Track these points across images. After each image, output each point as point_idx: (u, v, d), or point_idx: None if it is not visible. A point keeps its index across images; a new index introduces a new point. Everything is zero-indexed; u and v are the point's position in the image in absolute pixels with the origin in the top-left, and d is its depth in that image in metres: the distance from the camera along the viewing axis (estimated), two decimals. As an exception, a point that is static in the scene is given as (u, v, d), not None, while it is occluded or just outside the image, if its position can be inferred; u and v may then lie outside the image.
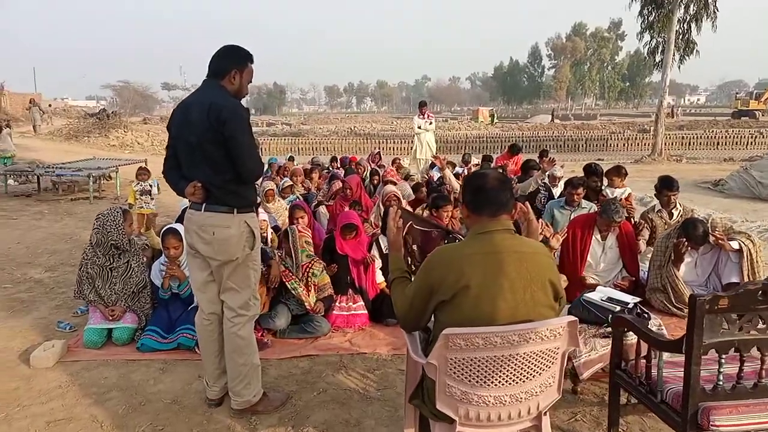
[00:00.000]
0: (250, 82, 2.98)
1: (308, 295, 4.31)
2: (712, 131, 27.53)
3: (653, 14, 18.17)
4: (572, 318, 2.05)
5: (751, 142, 24.73)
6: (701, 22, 17.71)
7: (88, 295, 4.20)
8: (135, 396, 3.37)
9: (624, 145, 25.54)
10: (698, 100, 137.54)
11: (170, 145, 3.02)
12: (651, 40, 18.87)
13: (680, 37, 18.01)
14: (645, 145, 23.28)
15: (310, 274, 4.37)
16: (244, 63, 2.91)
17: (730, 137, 25.58)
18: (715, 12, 17.50)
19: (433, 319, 2.25)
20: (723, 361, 2.17)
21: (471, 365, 2.02)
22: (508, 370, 2.03)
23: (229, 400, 3.18)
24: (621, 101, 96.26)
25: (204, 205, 2.87)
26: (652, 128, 22.00)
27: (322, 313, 4.33)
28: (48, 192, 11.28)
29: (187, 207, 3.07)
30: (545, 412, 2.21)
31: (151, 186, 7.48)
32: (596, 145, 25.94)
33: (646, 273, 4.97)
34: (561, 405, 3.27)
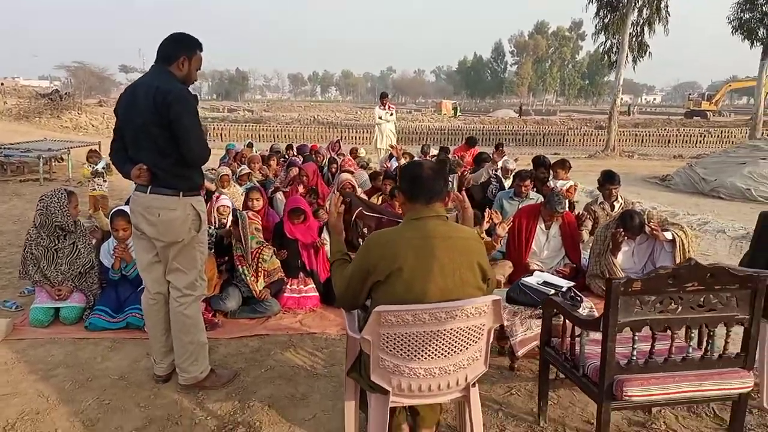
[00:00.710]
0: (199, 69, 3.03)
1: (257, 282, 4.39)
2: (665, 129, 28.56)
3: (608, 16, 18.78)
4: (496, 297, 2.20)
5: (700, 141, 25.80)
6: (654, 25, 18.38)
7: (33, 275, 4.17)
8: (82, 372, 3.40)
9: (580, 140, 26.26)
10: (654, 99, 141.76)
11: (117, 128, 3.05)
12: (606, 41, 19.51)
13: (634, 39, 18.65)
14: (600, 141, 23.98)
15: (260, 260, 4.44)
16: (194, 50, 2.96)
17: (680, 135, 26.61)
18: (666, 17, 18.18)
19: (370, 298, 2.38)
20: (636, 338, 2.36)
21: (402, 340, 2.15)
22: (436, 345, 2.17)
23: (176, 376, 3.25)
24: (581, 98, 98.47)
25: (149, 187, 2.92)
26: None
27: (268, 301, 4.40)
28: (-5, 172, 10.94)
29: None
30: (473, 384, 2.36)
31: (103, 169, 7.37)
32: (554, 140, 26.61)
33: (588, 260, 5.22)
34: (498, 380, 3.47)
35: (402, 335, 2.15)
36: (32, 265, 4.20)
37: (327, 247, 4.89)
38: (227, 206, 5.32)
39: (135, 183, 3.00)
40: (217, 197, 5.57)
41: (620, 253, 4.87)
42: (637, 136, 26.43)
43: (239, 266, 4.40)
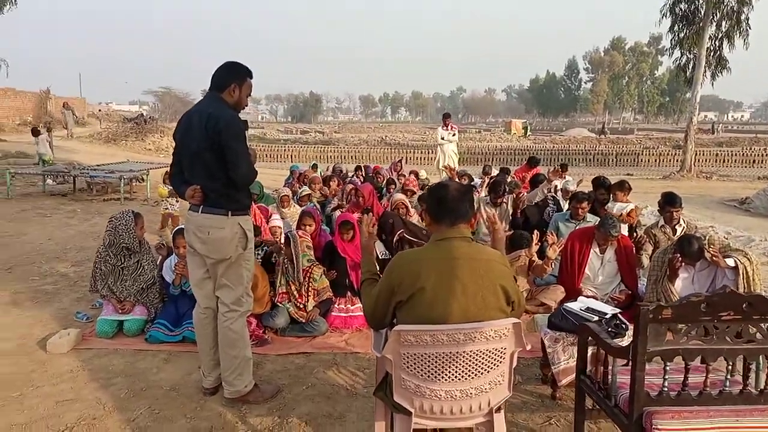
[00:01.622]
0: (249, 95, 3.23)
1: (307, 301, 4.53)
2: (751, 149, 26.86)
3: (684, 31, 18.01)
4: (515, 320, 2.20)
5: (790, 161, 24.09)
6: (734, 39, 17.46)
7: (101, 290, 4.51)
8: (138, 382, 3.63)
9: (656, 160, 25.17)
10: (742, 116, 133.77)
11: (175, 152, 3.30)
12: (682, 56, 18.69)
13: (711, 53, 17.78)
14: (676, 161, 22.90)
15: (311, 279, 4.58)
16: (243, 78, 3.17)
17: (766, 155, 24.93)
18: (747, 29, 17.23)
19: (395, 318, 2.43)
20: (668, 368, 2.28)
21: (422, 360, 2.19)
22: (456, 367, 2.19)
23: (223, 390, 3.40)
24: (661, 116, 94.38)
25: (201, 207, 3.13)
26: (685, 144, 21.69)
27: (317, 320, 4.52)
28: (83, 192, 11.83)
29: None
30: (498, 409, 2.35)
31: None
32: (627, 160, 25.64)
33: (645, 287, 5.02)
34: (538, 409, 3.41)
35: (422, 355, 2.19)
36: (101, 280, 4.54)
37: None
38: (279, 226, 5.54)
39: (189, 203, 3.22)
40: (270, 216, 5.82)
41: (679, 279, 4.65)
42: (718, 156, 25.01)
43: (279, 302, 4.55)
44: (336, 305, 4.74)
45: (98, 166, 12.80)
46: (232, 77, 3.14)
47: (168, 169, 6.35)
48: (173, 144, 3.38)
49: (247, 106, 3.29)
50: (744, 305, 2.19)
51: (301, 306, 4.53)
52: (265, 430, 3.12)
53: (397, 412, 2.35)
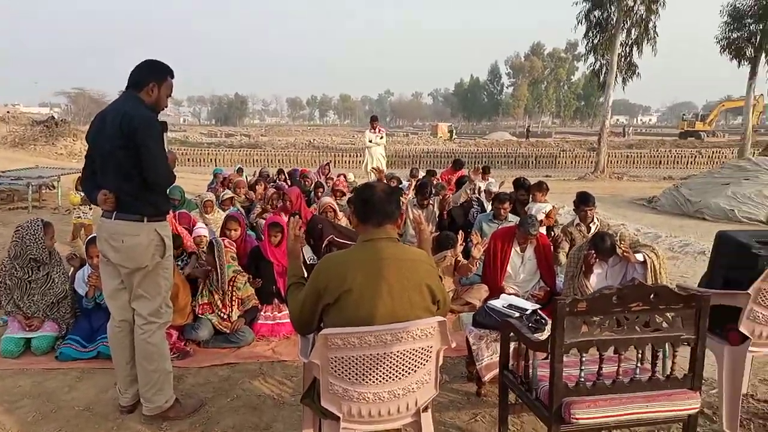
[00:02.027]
0: (170, 95, 3.10)
1: (231, 310, 4.40)
2: (657, 151, 28.76)
3: (597, 37, 19.07)
4: (441, 319, 2.23)
5: (691, 162, 25.97)
6: (642, 45, 18.67)
7: (6, 306, 4.20)
8: (47, 403, 3.39)
9: (572, 162, 26.47)
10: (650, 120, 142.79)
11: (87, 155, 3.11)
12: (595, 61, 19.77)
13: (623, 59, 18.91)
14: (591, 162, 24.14)
15: (234, 288, 4.46)
16: (163, 76, 3.03)
17: (671, 157, 26.79)
18: (654, 37, 18.49)
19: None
20: (584, 359, 2.38)
21: (349, 363, 2.17)
22: (383, 368, 2.19)
23: (141, 407, 3.24)
24: (576, 120, 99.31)
25: (115, 213, 2.96)
26: (599, 147, 22.91)
27: (242, 330, 4.40)
28: (-15, 200, 10.99)
29: None
30: (424, 409, 2.37)
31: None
32: (546, 162, 26.80)
33: (562, 283, 5.24)
34: (464, 406, 3.47)
35: (349, 358, 2.17)
36: (5, 296, 4.22)
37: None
38: (204, 236, 5.36)
39: (102, 209, 3.04)
40: (194, 224, 5.61)
41: (593, 275, 4.88)
42: (628, 158, 26.63)
43: (200, 314, 4.40)
44: (262, 312, 4.63)
45: (3, 172, 11.92)
46: (151, 76, 3.00)
47: (80, 175, 6.02)
48: (87, 147, 3.18)
49: (166, 107, 3.15)
50: (651, 295, 2.32)
51: (225, 316, 4.39)
52: (188, 445, 3.00)
53: (325, 418, 2.32)
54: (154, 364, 3.15)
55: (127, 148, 2.85)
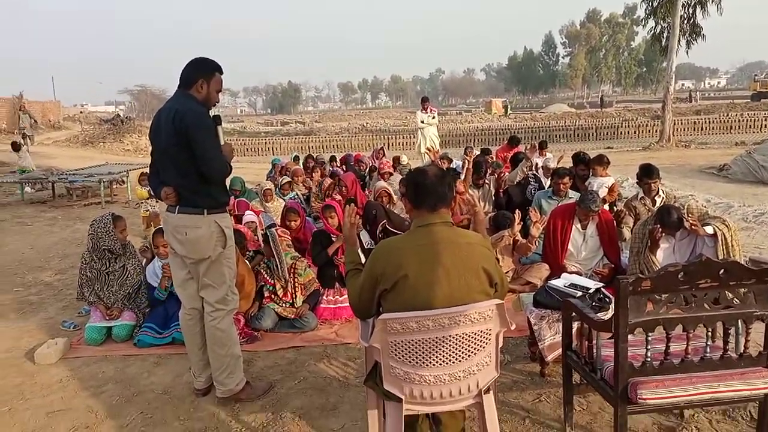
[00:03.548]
0: (219, 91, 3.18)
1: (295, 297, 4.52)
2: (728, 115, 27.17)
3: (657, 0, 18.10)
4: (499, 301, 2.22)
5: (765, 126, 24.40)
6: (706, 5, 17.58)
7: (89, 297, 4.47)
8: (129, 388, 3.62)
9: (635, 132, 25.42)
10: (718, 83, 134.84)
11: (151, 153, 3.26)
12: (656, 25, 18.78)
13: (685, 21, 17.89)
14: (656, 131, 23.12)
15: (295, 274, 4.57)
16: (211, 73, 3.12)
17: (744, 121, 25.26)
18: (720, -5, 17.38)
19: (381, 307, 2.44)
20: (650, 338, 2.32)
21: (409, 347, 2.21)
22: (443, 351, 2.21)
23: (215, 390, 3.40)
24: (639, 87, 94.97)
25: (177, 207, 3.10)
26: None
27: (306, 315, 4.51)
28: (63, 198, 11.67)
29: None
30: (486, 390, 2.38)
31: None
32: (607, 133, 25.85)
33: (627, 259, 5.09)
34: (528, 387, 3.45)
35: (409, 342, 2.20)
36: (87, 287, 4.50)
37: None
38: (253, 221, 5.61)
39: (165, 203, 3.19)
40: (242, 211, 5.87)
41: (660, 250, 4.72)
42: (696, 124, 25.32)
43: (266, 303, 4.54)
44: (325, 297, 4.75)
45: (77, 170, 12.63)
46: (199, 73, 3.10)
47: (143, 170, 6.28)
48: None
49: (218, 102, 3.25)
50: (720, 272, 2.23)
51: (288, 304, 4.52)
52: (259, 426, 3.13)
53: (389, 400, 2.37)
54: (225, 348, 3.30)
55: (180, 144, 2.97)
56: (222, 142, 3.13)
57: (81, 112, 47.16)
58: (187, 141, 2.94)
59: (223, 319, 3.28)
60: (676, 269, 2.24)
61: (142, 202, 7.82)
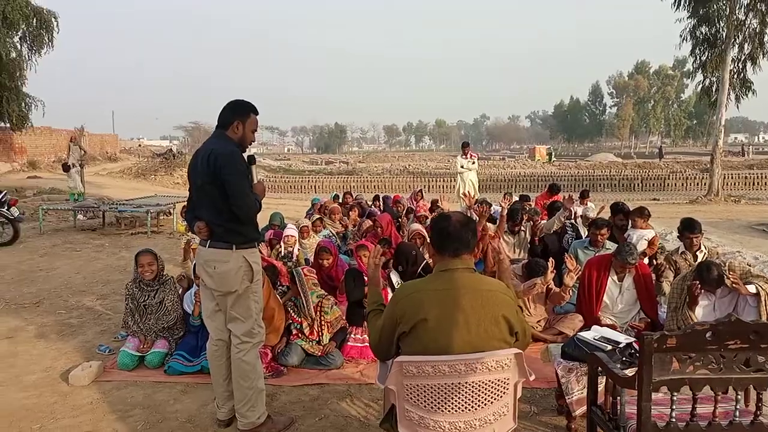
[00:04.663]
0: (255, 131, 3.33)
1: (322, 335, 4.56)
2: (782, 171, 26.29)
3: (706, 54, 17.89)
4: (517, 351, 2.20)
5: (822, 182, 23.47)
6: (758, 60, 17.26)
7: (132, 327, 4.68)
8: (155, 414, 3.69)
9: (683, 184, 24.83)
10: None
11: (189, 188, 3.41)
12: (704, 79, 18.53)
13: (735, 75, 17.59)
14: (704, 184, 22.52)
15: (322, 312, 4.62)
16: (246, 114, 3.26)
17: (799, 177, 24.36)
18: (772, 50, 17.06)
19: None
20: (675, 398, 2.25)
21: (424, 391, 2.20)
22: (458, 398, 2.19)
23: (236, 422, 3.43)
24: (689, 139, 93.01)
25: (209, 241, 3.21)
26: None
27: (332, 353, 4.53)
28: (112, 226, 12.13)
29: None
30: (503, 441, 2.33)
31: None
32: (654, 185, 25.33)
33: (665, 315, 4.93)
34: (554, 441, 3.35)
35: (424, 386, 2.20)
36: (130, 317, 4.71)
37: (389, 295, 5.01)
38: (293, 236, 6.00)
39: (198, 237, 3.32)
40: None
41: (700, 307, 4.56)
42: (747, 179, 24.54)
43: (293, 339, 4.58)
44: (352, 335, 4.76)
45: (127, 200, 13.15)
46: (234, 115, 3.25)
47: (184, 204, 6.59)
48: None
49: (254, 141, 3.38)
50: (750, 334, 2.16)
51: (314, 342, 4.56)
52: (278, 461, 3.13)
53: (403, 444, 2.36)
54: (249, 381, 3.34)
55: (214, 183, 3.10)
56: (255, 181, 3.26)
57: (140, 145, 49.46)
58: (220, 180, 3.08)
59: (249, 351, 3.34)
60: (703, 328, 2.18)
61: (181, 235, 8.06)
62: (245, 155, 3.26)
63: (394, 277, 5.01)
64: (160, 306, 4.69)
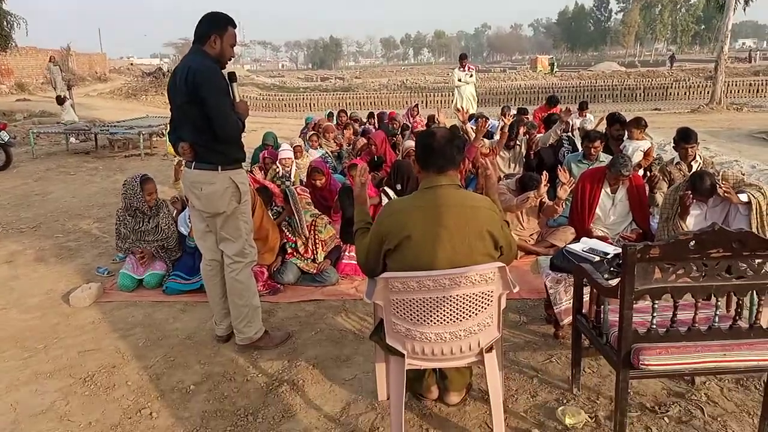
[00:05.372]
0: (234, 45, 3.17)
1: (316, 253, 4.61)
2: (788, 77, 25.65)
3: (716, -48, 16.97)
4: (500, 264, 2.22)
5: (828, 89, 22.96)
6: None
7: (124, 247, 4.71)
8: (155, 332, 3.80)
9: (686, 93, 24.24)
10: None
11: (171, 108, 3.32)
12: (713, -21, 17.67)
13: (745, -25, 16.77)
14: (707, 93, 22.04)
15: (316, 231, 4.65)
16: (224, 27, 3.10)
17: (806, 83, 23.80)
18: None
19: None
20: (656, 306, 2.29)
21: (410, 305, 2.25)
22: (443, 311, 2.24)
23: (235, 336, 3.54)
24: (696, 45, 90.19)
25: (194, 162, 3.16)
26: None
27: (327, 270, 4.59)
28: (105, 149, 12.04)
29: None
30: (489, 349, 2.41)
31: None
32: (656, 94, 24.76)
33: (657, 225, 4.97)
34: (541, 347, 3.47)
35: (410, 301, 2.24)
36: (120, 240, 4.73)
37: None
38: (289, 158, 6.07)
39: (184, 159, 3.27)
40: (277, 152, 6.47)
41: (691, 217, 4.59)
42: (751, 86, 23.95)
43: (288, 258, 4.62)
44: (347, 252, 4.81)
45: (118, 122, 12.96)
46: (211, 28, 3.08)
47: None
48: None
49: (233, 56, 3.24)
50: (733, 242, 2.17)
51: (309, 260, 4.61)
52: (275, 373, 3.26)
53: (392, 354, 2.43)
54: (243, 299, 3.41)
55: (194, 102, 2.99)
56: (237, 99, 3.15)
57: (132, 64, 48.11)
58: (199, 99, 2.97)
59: (242, 271, 3.38)
60: (687, 237, 2.18)
61: (174, 156, 7.98)
62: (225, 72, 3.14)
63: (392, 195, 5.01)
64: (157, 229, 4.71)
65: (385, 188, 5.27)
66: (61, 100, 14.84)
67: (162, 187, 5.13)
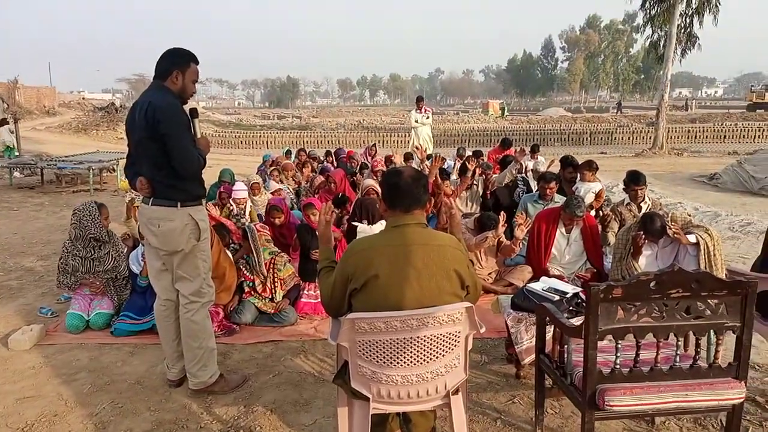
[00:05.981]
0: (195, 81, 3.13)
1: (275, 291, 4.50)
2: (722, 125, 27.26)
3: (655, 8, 18.17)
4: (468, 304, 2.21)
5: (759, 136, 24.50)
6: (703, 15, 17.67)
7: (68, 283, 4.43)
8: (102, 377, 3.59)
9: (629, 138, 25.46)
10: (716, 92, 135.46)
11: (128, 144, 3.22)
12: (653, 33, 18.87)
13: (682, 30, 17.95)
14: (649, 138, 23.18)
15: (275, 269, 4.55)
16: (186, 63, 3.06)
17: (738, 131, 25.35)
18: (717, 5, 17.44)
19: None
20: (620, 346, 2.31)
21: (376, 347, 2.19)
22: (410, 352, 2.19)
23: (188, 381, 3.37)
24: (636, 93, 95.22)
25: (151, 199, 3.06)
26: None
27: (286, 310, 4.49)
28: (51, 184, 11.60)
29: None
30: (455, 392, 2.37)
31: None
32: (602, 139, 25.88)
33: (610, 265, 5.09)
34: (503, 388, 3.45)
35: (376, 342, 2.19)
36: (66, 276, 4.45)
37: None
38: (243, 198, 6.03)
39: (141, 194, 3.16)
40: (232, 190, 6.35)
41: (643, 257, 4.71)
42: (690, 132, 25.39)
43: (246, 297, 4.51)
44: (305, 291, 4.73)
45: (67, 157, 12.54)
46: (173, 64, 3.04)
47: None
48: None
49: (194, 92, 3.19)
50: (692, 282, 2.22)
51: (267, 299, 4.50)
52: (230, 419, 3.11)
53: (356, 398, 2.36)
54: (198, 341, 3.27)
55: (153, 138, 2.92)
56: (198, 135, 3.09)
57: (83, 99, 46.97)
58: (159, 135, 2.90)
59: (198, 311, 3.26)
60: (648, 278, 2.23)
61: (125, 193, 7.76)
62: (186, 108, 3.08)
63: (363, 226, 5.00)
64: (109, 258, 4.50)
65: (355, 222, 5.28)
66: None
67: (112, 224, 4.92)
